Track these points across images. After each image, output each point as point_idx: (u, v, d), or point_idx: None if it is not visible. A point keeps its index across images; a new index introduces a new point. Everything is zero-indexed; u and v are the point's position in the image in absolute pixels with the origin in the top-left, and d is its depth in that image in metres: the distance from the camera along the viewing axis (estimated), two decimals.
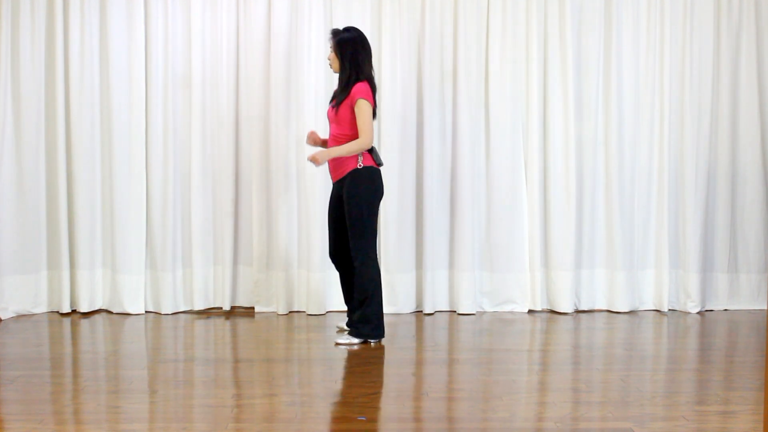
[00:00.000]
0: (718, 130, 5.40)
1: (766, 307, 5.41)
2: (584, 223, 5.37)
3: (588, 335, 4.83)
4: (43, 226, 5.21)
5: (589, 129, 5.34)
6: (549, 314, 5.32)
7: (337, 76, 4.58)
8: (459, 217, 5.28)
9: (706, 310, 5.42)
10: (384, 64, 5.23)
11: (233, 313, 5.32)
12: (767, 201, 5.45)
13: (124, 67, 5.21)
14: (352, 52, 4.41)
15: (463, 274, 5.27)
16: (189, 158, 5.29)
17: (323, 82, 5.17)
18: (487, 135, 5.35)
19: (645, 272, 5.43)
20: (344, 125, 4.43)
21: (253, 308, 5.37)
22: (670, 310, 5.41)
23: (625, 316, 5.27)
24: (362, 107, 4.35)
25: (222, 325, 5.04)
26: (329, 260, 5.22)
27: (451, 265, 5.36)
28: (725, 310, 5.46)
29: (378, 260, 4.49)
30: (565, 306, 5.31)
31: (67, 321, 5.12)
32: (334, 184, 4.60)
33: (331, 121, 4.54)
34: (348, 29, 4.51)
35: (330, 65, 4.56)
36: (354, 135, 4.40)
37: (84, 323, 5.08)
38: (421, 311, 5.33)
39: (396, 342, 4.58)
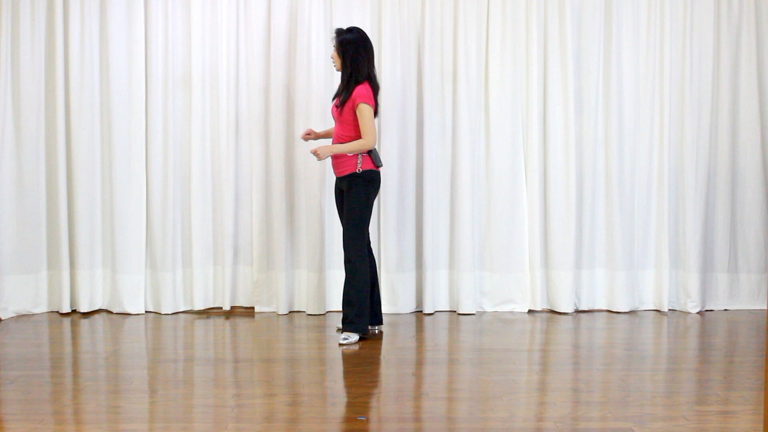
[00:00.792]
0: (718, 130, 5.40)
1: (766, 307, 5.41)
2: (584, 223, 5.37)
3: (588, 335, 4.83)
4: (43, 226, 5.21)
5: (589, 129, 5.34)
6: (549, 314, 5.32)
7: (338, 74, 4.66)
8: (459, 217, 5.28)
9: (706, 310, 5.42)
10: (384, 64, 5.23)
11: (233, 313, 5.32)
12: (767, 201, 5.45)
13: (124, 68, 5.21)
14: (353, 53, 4.48)
15: (463, 274, 5.27)
16: (189, 158, 5.30)
17: (323, 82, 5.18)
18: (487, 135, 5.35)
19: (645, 272, 5.43)
20: (347, 126, 4.51)
21: (253, 308, 5.37)
22: (670, 310, 5.41)
23: (625, 316, 5.27)
24: (363, 111, 4.44)
25: (222, 325, 5.04)
26: (329, 260, 5.24)
27: (451, 265, 5.36)
28: (725, 310, 5.46)
29: (364, 261, 4.55)
30: (565, 306, 5.31)
31: (67, 321, 5.12)
32: (336, 178, 4.66)
33: (335, 120, 4.61)
34: (351, 30, 4.56)
35: (333, 64, 4.63)
36: (357, 136, 4.50)
37: (84, 323, 5.08)
38: (421, 311, 5.33)
39: (396, 342, 4.58)
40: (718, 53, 5.37)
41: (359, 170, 4.49)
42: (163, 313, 5.27)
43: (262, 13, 5.24)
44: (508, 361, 4.19)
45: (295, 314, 5.29)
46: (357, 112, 4.45)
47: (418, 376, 3.94)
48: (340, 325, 4.76)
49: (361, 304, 4.53)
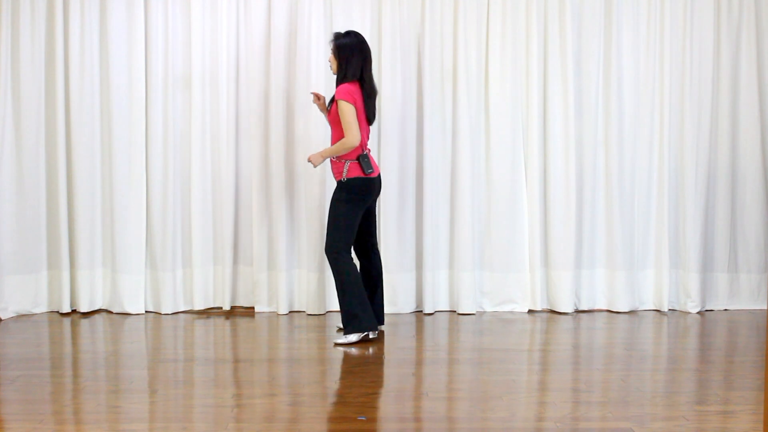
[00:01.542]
0: (718, 130, 5.40)
1: (766, 307, 5.42)
2: (584, 223, 5.37)
3: (588, 335, 4.83)
4: (43, 226, 5.21)
5: (589, 129, 5.34)
6: (549, 314, 5.33)
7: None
8: (459, 217, 5.28)
9: (706, 310, 5.42)
10: (384, 64, 5.23)
11: (233, 313, 5.32)
12: (767, 201, 5.45)
13: (124, 67, 5.21)
14: (347, 57, 4.49)
15: (463, 274, 5.27)
16: (189, 158, 5.30)
17: (323, 83, 5.18)
18: (487, 135, 5.35)
19: (645, 272, 5.43)
20: (336, 127, 4.53)
21: (253, 308, 5.37)
22: (670, 310, 5.41)
23: (625, 316, 5.27)
24: (342, 108, 4.42)
25: (222, 325, 5.04)
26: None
27: (451, 265, 5.36)
28: (725, 310, 5.46)
29: (351, 258, 4.53)
30: (565, 306, 5.31)
31: (67, 321, 5.12)
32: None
33: (330, 125, 4.64)
34: (348, 33, 4.57)
35: (330, 67, 4.63)
36: (342, 136, 4.49)
37: (84, 323, 5.08)
38: (421, 311, 5.33)
39: (396, 342, 4.58)
40: (718, 53, 5.37)
41: (344, 178, 4.49)
42: (163, 313, 5.27)
43: (262, 13, 5.24)
44: (508, 361, 4.19)
45: (295, 314, 5.29)
46: (338, 110, 4.44)
47: (418, 376, 3.94)
48: (341, 324, 4.76)
49: (358, 300, 4.48)
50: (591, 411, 3.36)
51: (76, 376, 3.95)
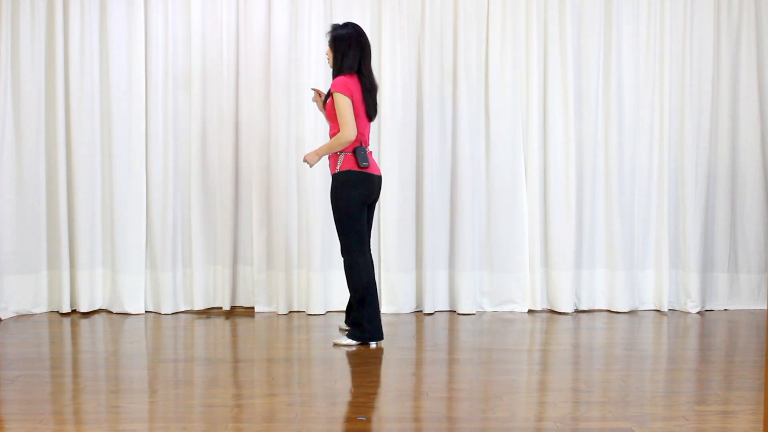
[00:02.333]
0: (718, 130, 5.40)
1: (766, 307, 5.42)
2: (584, 223, 5.37)
3: (588, 335, 4.83)
4: (43, 226, 5.21)
5: (589, 129, 5.34)
6: (549, 314, 5.33)
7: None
8: (459, 217, 5.28)
9: (706, 310, 5.42)
10: (384, 64, 5.23)
11: (233, 313, 5.32)
12: (767, 201, 5.45)
13: (124, 67, 5.21)
14: (345, 49, 4.35)
15: (463, 274, 5.27)
16: (189, 158, 5.30)
17: (323, 82, 5.17)
18: (487, 135, 5.35)
19: (645, 272, 5.43)
20: (334, 121, 4.39)
21: (253, 308, 5.37)
22: (670, 310, 5.41)
23: (625, 316, 5.27)
24: (338, 101, 4.28)
25: (222, 325, 5.04)
26: (329, 260, 5.23)
27: (451, 265, 5.36)
28: (725, 310, 5.46)
29: (366, 262, 4.41)
30: (565, 306, 5.31)
31: (67, 321, 5.12)
32: None
33: (327, 119, 4.54)
34: (346, 25, 4.45)
35: (327, 60, 4.53)
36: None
37: (84, 323, 5.08)
38: (421, 311, 5.33)
39: (396, 342, 4.58)
40: (718, 53, 5.37)
41: (337, 170, 4.35)
42: (163, 313, 5.27)
43: (262, 12, 5.24)
44: (508, 361, 4.19)
45: (295, 314, 5.29)
46: (334, 104, 4.31)
47: (418, 376, 3.94)
48: (343, 324, 4.76)
49: (367, 310, 4.40)
50: (591, 411, 3.36)
51: (76, 376, 3.95)
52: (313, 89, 4.61)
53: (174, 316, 5.25)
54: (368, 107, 4.41)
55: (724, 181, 5.41)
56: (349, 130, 4.27)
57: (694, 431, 3.13)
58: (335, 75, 4.40)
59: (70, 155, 5.23)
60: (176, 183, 5.28)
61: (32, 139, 5.18)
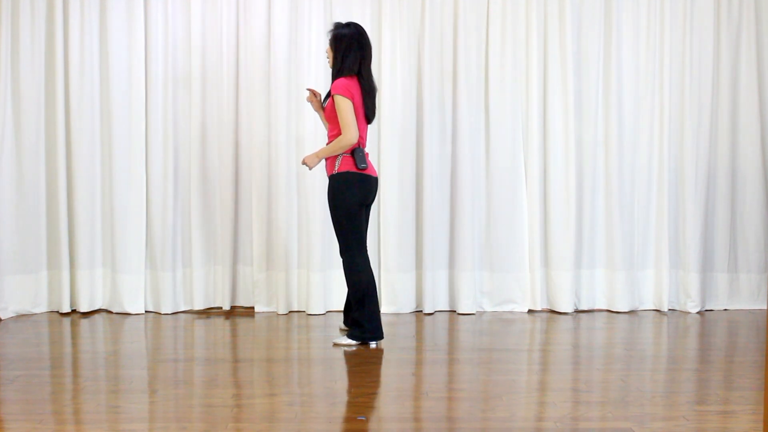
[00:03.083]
0: (718, 130, 5.41)
1: (766, 307, 5.42)
2: (584, 222, 5.37)
3: (588, 335, 4.83)
4: (43, 226, 5.21)
5: (589, 129, 5.34)
6: (549, 314, 5.33)
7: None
8: (459, 217, 5.28)
9: (706, 310, 5.42)
10: (384, 64, 5.23)
11: (233, 313, 5.32)
12: (767, 201, 5.45)
13: (124, 67, 5.21)
14: (345, 48, 4.33)
15: (463, 274, 5.27)
16: (189, 158, 5.30)
17: (323, 82, 5.17)
18: (487, 135, 5.35)
19: (645, 272, 5.43)
20: (334, 123, 4.38)
21: (253, 308, 5.37)
22: (670, 309, 5.41)
23: (625, 316, 5.27)
24: (339, 103, 4.26)
25: (222, 325, 5.04)
26: (329, 260, 5.24)
27: (451, 265, 5.36)
28: (725, 310, 5.46)
29: (366, 263, 4.40)
30: (565, 306, 5.32)
31: (67, 321, 5.12)
32: None
33: (327, 120, 4.53)
34: (348, 24, 4.42)
35: (327, 59, 4.52)
36: (340, 130, 4.35)
37: (84, 323, 5.08)
38: (421, 311, 5.33)
39: (396, 342, 4.58)
40: (718, 53, 5.37)
41: (335, 171, 4.33)
42: (163, 313, 5.27)
43: (262, 12, 5.24)
44: (509, 361, 4.19)
45: (295, 314, 5.29)
46: (335, 106, 4.29)
47: (418, 376, 3.94)
48: (343, 325, 4.75)
49: (367, 310, 4.40)
50: (591, 411, 3.35)
51: (76, 376, 3.95)
52: (309, 89, 4.57)
53: (174, 316, 5.25)
54: (367, 109, 4.39)
55: (724, 181, 5.42)
56: (351, 133, 4.25)
57: (694, 431, 3.13)
58: (335, 75, 4.38)
59: (70, 155, 5.23)
60: (176, 183, 5.28)
61: (32, 139, 5.18)
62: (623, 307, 5.35)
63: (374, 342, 4.46)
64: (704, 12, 5.33)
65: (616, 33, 5.32)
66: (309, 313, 5.27)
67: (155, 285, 5.31)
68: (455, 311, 5.33)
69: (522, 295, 5.38)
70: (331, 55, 4.40)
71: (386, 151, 5.24)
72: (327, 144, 4.45)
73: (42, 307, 5.28)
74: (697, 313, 5.35)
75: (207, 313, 5.33)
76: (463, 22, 5.25)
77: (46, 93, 5.22)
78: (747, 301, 5.48)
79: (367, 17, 5.25)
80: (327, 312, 5.30)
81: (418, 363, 4.21)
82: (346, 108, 4.25)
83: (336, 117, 4.33)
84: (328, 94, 4.39)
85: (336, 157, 4.34)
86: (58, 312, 5.28)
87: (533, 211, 5.33)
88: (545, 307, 5.42)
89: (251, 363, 4.17)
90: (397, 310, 5.29)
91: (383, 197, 5.21)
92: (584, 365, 4.15)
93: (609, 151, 5.35)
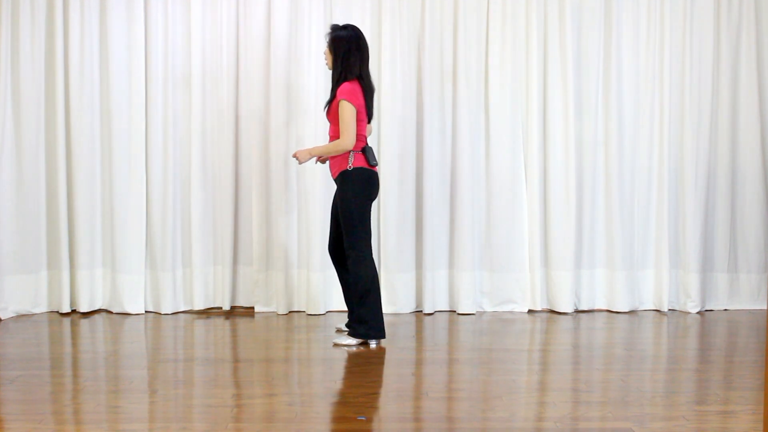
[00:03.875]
0: (718, 130, 5.40)
1: (766, 307, 5.41)
2: (584, 223, 5.37)
3: (588, 335, 4.83)
4: (43, 226, 5.21)
5: (589, 129, 5.34)
6: (549, 314, 5.33)
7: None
8: (459, 217, 5.28)
9: (706, 310, 5.42)
10: (384, 64, 5.23)
11: (233, 313, 5.32)
12: (767, 201, 5.45)
13: (124, 67, 5.21)
14: (345, 51, 4.38)
15: (463, 274, 5.27)
16: (189, 158, 5.30)
17: (323, 82, 5.17)
18: (487, 135, 5.35)
19: (645, 272, 5.43)
20: (335, 124, 4.43)
21: (253, 308, 5.37)
22: (670, 310, 5.41)
23: (625, 316, 5.27)
24: (343, 108, 4.33)
25: (222, 325, 5.04)
26: (329, 260, 5.22)
27: (451, 265, 5.36)
28: (725, 310, 5.46)
29: (373, 260, 4.45)
30: (565, 306, 5.31)
31: (67, 321, 5.12)
32: (335, 180, 4.60)
33: (329, 121, 4.56)
34: (346, 27, 4.47)
35: (325, 61, 4.54)
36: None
37: (84, 323, 5.08)
38: (421, 311, 5.33)
39: (396, 342, 4.58)
40: (718, 53, 5.37)
41: (350, 167, 4.38)
42: (163, 313, 5.27)
43: (262, 12, 5.24)
44: (509, 361, 4.19)
45: (295, 314, 5.29)
46: (339, 110, 4.35)
47: (418, 376, 3.94)
48: (341, 325, 4.75)
49: (371, 307, 4.41)
50: (591, 411, 3.36)
51: (76, 376, 3.95)
52: (293, 156, 4.52)
53: (174, 316, 5.25)
54: (368, 109, 4.48)
55: (724, 181, 5.41)
56: (348, 139, 4.33)
57: (694, 431, 3.13)
58: (335, 77, 4.43)
59: (70, 155, 5.22)
60: (176, 183, 5.28)
61: (32, 139, 5.17)
62: (623, 307, 5.35)
63: (375, 341, 4.46)
64: (704, 12, 5.33)
65: (616, 33, 5.32)
66: (309, 313, 5.27)
67: (155, 285, 5.31)
68: (455, 311, 5.33)
69: (522, 295, 5.38)
70: (329, 57, 4.45)
71: (386, 151, 5.24)
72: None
73: (42, 307, 5.28)
74: (697, 313, 5.35)
75: (207, 313, 5.33)
76: (463, 22, 5.25)
77: (46, 93, 5.21)
78: (747, 301, 5.48)
79: (367, 17, 5.25)
80: (327, 312, 5.30)
81: (418, 363, 4.21)
82: (349, 114, 4.32)
83: (336, 120, 4.40)
84: (331, 98, 4.43)
85: (347, 154, 4.39)
86: (58, 312, 5.28)
87: (533, 211, 5.33)
88: (545, 307, 5.42)
89: (251, 363, 4.17)
90: (397, 310, 5.29)
91: (383, 197, 5.21)
92: (584, 365, 4.15)
93: (609, 151, 5.35)
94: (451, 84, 5.29)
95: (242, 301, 5.41)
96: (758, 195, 5.43)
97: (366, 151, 4.41)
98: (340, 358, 4.24)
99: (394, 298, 5.29)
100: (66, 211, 5.22)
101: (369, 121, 4.53)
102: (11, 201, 5.16)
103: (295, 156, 4.46)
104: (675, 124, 5.38)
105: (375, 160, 4.44)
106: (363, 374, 3.94)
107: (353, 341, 4.45)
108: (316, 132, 5.16)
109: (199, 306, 5.34)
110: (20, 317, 5.17)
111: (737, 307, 5.47)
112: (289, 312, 5.32)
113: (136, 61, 5.20)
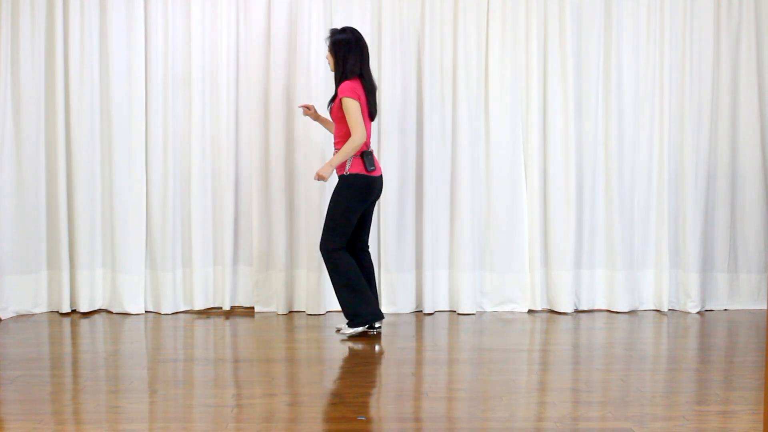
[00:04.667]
0: (718, 130, 5.40)
1: (766, 307, 5.41)
2: (584, 223, 5.37)
3: (588, 335, 4.83)
4: (43, 226, 5.21)
5: (589, 129, 5.34)
6: (549, 314, 5.33)
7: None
8: (459, 217, 5.28)
9: (706, 310, 5.42)
10: (384, 64, 5.23)
11: (233, 313, 5.32)
12: (767, 201, 5.45)
13: (124, 67, 5.21)
14: (345, 52, 4.51)
15: (463, 274, 5.27)
16: (189, 158, 5.30)
17: (323, 83, 5.18)
18: (487, 135, 5.35)
19: (645, 272, 5.43)
20: (341, 125, 4.53)
21: (253, 308, 5.37)
22: (670, 310, 5.41)
23: (625, 316, 5.27)
24: (347, 106, 4.44)
25: (222, 325, 5.04)
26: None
27: (451, 265, 5.36)
28: (725, 310, 5.46)
29: (346, 254, 4.57)
30: (565, 306, 5.31)
31: (67, 321, 5.12)
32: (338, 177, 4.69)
33: (333, 121, 4.62)
34: (344, 29, 4.60)
35: (328, 64, 4.67)
36: (349, 132, 4.50)
37: (84, 323, 5.08)
38: (421, 311, 5.33)
39: (396, 342, 4.58)
40: (718, 53, 5.37)
41: (346, 172, 4.51)
42: (163, 313, 5.27)
43: (262, 13, 5.24)
44: (508, 361, 4.19)
45: (295, 314, 5.29)
46: (343, 108, 4.46)
47: (418, 376, 3.94)
48: (341, 326, 4.76)
49: (357, 295, 4.55)
50: (591, 411, 3.36)
51: (76, 376, 3.95)
52: (301, 106, 4.80)
53: (174, 316, 5.25)
54: (370, 107, 4.58)
55: (724, 181, 5.41)
56: (360, 133, 4.43)
57: (694, 431, 3.13)
58: (337, 78, 4.54)
59: (70, 155, 5.22)
60: (176, 183, 5.28)
61: (32, 139, 5.17)
62: (623, 307, 5.35)
63: (378, 323, 4.60)
64: (704, 12, 5.33)
65: (616, 33, 5.32)
66: (309, 313, 5.27)
67: (155, 285, 5.31)
68: (455, 311, 5.32)
69: (522, 295, 5.38)
70: (331, 60, 4.58)
71: (386, 151, 5.24)
72: (334, 145, 4.62)
73: (42, 307, 5.28)
74: (697, 313, 5.35)
75: (207, 313, 5.33)
76: (463, 22, 5.25)
77: (46, 93, 5.21)
78: (747, 301, 5.48)
79: (367, 18, 5.24)
80: (327, 312, 5.30)
81: (418, 363, 4.21)
82: (354, 109, 4.43)
83: (343, 118, 4.49)
84: (333, 98, 4.55)
85: (345, 160, 4.50)
86: (58, 312, 5.28)
87: (533, 211, 5.33)
88: (545, 307, 5.42)
89: (251, 363, 4.17)
90: (397, 310, 5.29)
91: (383, 197, 5.20)
92: (584, 365, 4.15)
93: (609, 151, 5.35)
94: (451, 84, 5.29)
95: (242, 301, 5.41)
96: (758, 195, 5.43)
97: (364, 157, 4.50)
98: (340, 358, 4.25)
99: (394, 298, 5.29)
100: (66, 211, 5.22)
101: (372, 119, 4.62)
102: (11, 201, 5.16)
103: (320, 177, 4.50)
104: (675, 124, 5.38)
105: (374, 165, 4.52)
106: (363, 374, 3.94)
107: (357, 330, 4.58)
108: (316, 132, 5.16)
109: (199, 306, 5.34)
110: (20, 317, 5.17)
111: (737, 307, 5.46)
112: (289, 312, 5.32)
113: (136, 61, 5.20)
